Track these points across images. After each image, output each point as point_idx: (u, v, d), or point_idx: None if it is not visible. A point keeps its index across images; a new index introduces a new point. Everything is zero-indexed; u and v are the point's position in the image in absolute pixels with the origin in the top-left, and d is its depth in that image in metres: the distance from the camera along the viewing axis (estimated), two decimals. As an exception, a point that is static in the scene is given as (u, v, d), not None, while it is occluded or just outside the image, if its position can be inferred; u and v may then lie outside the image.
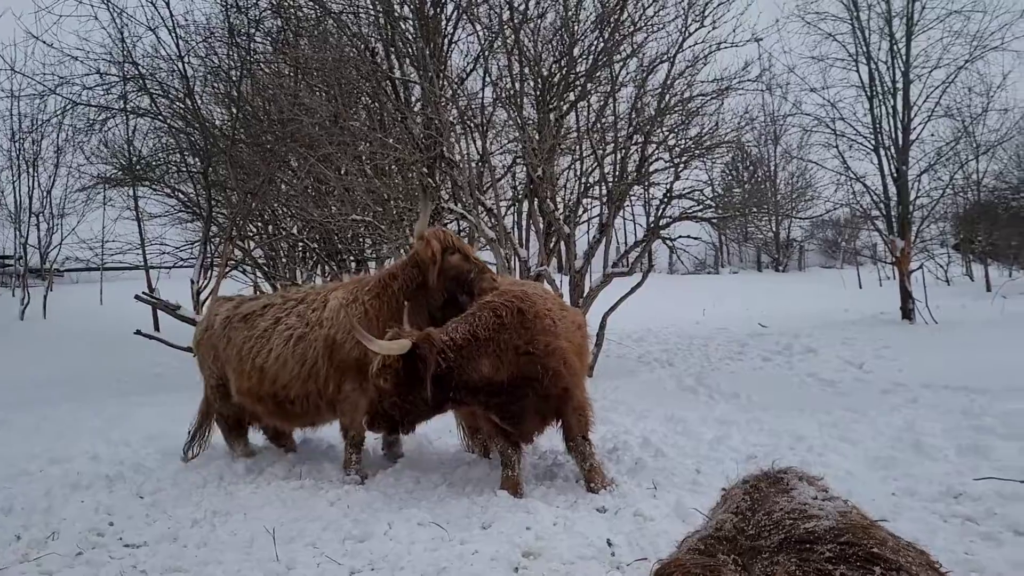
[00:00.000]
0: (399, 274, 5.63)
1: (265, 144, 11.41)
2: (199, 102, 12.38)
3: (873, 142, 13.25)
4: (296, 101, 10.43)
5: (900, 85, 12.98)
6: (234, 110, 12.12)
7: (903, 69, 12.96)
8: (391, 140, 10.04)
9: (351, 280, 6.24)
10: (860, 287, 23.26)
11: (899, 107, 12.99)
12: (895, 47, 13.01)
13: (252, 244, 14.35)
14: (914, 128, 13.14)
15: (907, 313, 12.75)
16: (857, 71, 13.48)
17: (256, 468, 5.76)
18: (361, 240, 13.30)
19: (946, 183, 16.87)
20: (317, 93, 10.86)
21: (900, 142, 12.96)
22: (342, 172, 10.72)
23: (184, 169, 14.01)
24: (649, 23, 10.38)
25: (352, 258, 13.67)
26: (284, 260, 14.69)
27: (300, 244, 14.14)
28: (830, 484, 2.33)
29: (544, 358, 4.80)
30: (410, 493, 5.05)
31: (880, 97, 13.17)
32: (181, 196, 15.13)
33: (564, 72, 10.36)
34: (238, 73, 11.86)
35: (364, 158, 10.72)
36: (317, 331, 5.58)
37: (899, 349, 9.87)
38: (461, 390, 4.70)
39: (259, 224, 14.31)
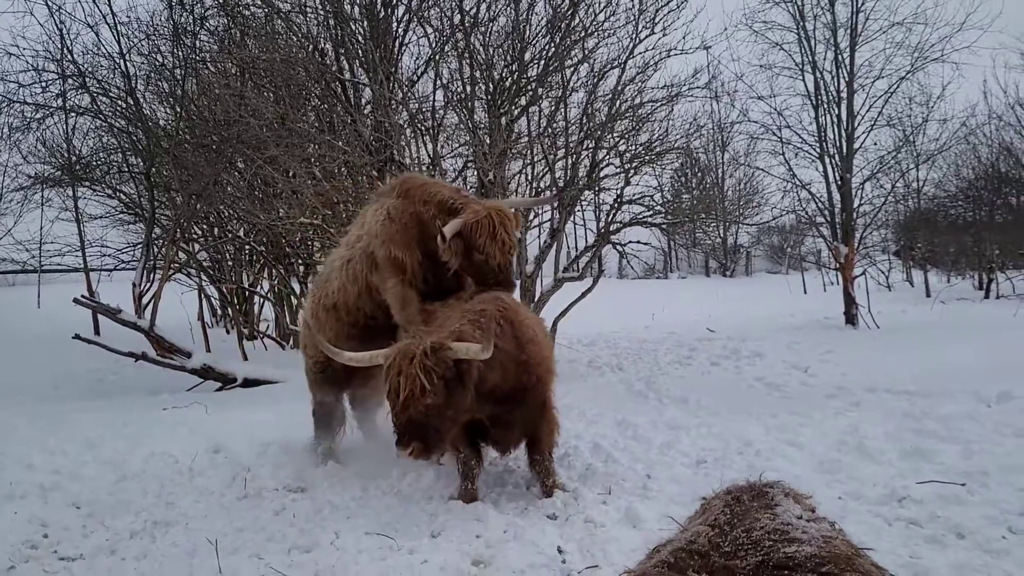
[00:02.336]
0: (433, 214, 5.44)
1: (210, 145, 11.17)
2: (142, 101, 12.09)
3: (818, 150, 13.49)
4: (242, 102, 10.23)
5: (844, 95, 13.25)
6: (178, 109, 11.85)
7: (847, 79, 13.22)
8: (340, 143, 9.91)
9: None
10: (805, 292, 23.69)
11: (843, 116, 13.24)
12: (840, 57, 13.27)
13: (197, 247, 14.06)
14: (858, 137, 13.41)
15: (850, 318, 12.99)
16: (803, 80, 13.72)
17: (199, 476, 5.61)
18: (310, 243, 13.10)
19: (888, 191, 17.29)
20: (264, 94, 10.67)
21: (844, 150, 13.21)
22: (290, 175, 10.55)
23: (126, 169, 13.66)
24: (600, 28, 10.44)
25: (301, 262, 13.46)
26: (230, 263, 14.43)
27: (247, 247, 13.89)
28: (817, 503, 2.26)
29: (535, 367, 4.71)
30: (357, 501, 4.95)
31: (825, 106, 13.41)
32: (123, 197, 14.74)
33: (515, 76, 10.35)
34: (182, 72, 11.60)
35: (313, 160, 10.57)
36: (356, 247, 5.74)
37: (843, 353, 10.04)
38: (477, 399, 4.43)
39: (204, 226, 14.02)
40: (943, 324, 12.48)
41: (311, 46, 11.12)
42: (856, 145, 13.37)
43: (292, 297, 13.59)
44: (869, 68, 13.44)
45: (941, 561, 3.65)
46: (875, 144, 14.77)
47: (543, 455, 4.92)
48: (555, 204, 10.81)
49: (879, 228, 21.86)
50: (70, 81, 12.11)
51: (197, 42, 12.07)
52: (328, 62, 11.11)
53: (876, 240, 23.14)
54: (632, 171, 10.55)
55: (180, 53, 11.92)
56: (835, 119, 13.33)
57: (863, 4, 13.03)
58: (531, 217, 11.52)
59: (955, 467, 5.08)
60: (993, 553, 3.72)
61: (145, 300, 10.88)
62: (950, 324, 12.40)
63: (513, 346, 4.57)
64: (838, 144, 13.28)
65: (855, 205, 13.61)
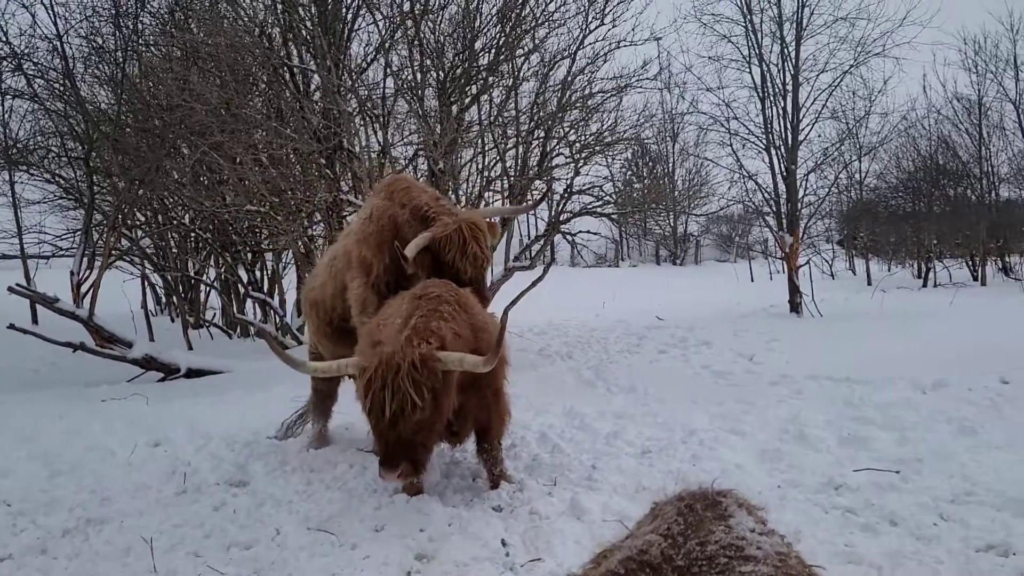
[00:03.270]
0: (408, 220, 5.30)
1: (153, 130, 10.90)
2: (80, 84, 11.73)
3: (765, 141, 13.70)
4: (185, 86, 9.99)
5: (790, 87, 13.47)
6: (119, 93, 11.52)
7: (793, 72, 13.44)
8: (288, 129, 9.75)
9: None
10: (752, 281, 24.10)
11: (789, 108, 13.47)
12: (786, 51, 13.48)
13: (140, 233, 13.74)
14: (803, 129, 13.67)
15: (795, 306, 13.23)
16: (750, 72, 13.92)
17: (137, 471, 5.48)
18: (258, 231, 12.89)
19: (831, 182, 17.70)
20: (209, 79, 10.43)
21: (789, 142, 13.44)
22: (236, 161, 10.34)
23: (64, 154, 13.26)
24: (551, 19, 10.44)
25: (248, 249, 13.24)
26: (175, 251, 14.13)
27: (192, 234, 13.62)
28: (769, 514, 2.23)
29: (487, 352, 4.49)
30: (300, 495, 4.87)
31: (772, 98, 13.62)
32: (62, 182, 14.31)
33: (466, 65, 10.29)
34: (123, 55, 11.27)
35: (260, 147, 10.39)
36: (341, 243, 5.70)
37: (787, 341, 10.22)
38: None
39: (148, 213, 13.69)
40: (883, 312, 12.78)
41: (258, 31, 10.90)
42: (801, 137, 13.63)
43: (239, 285, 13.37)
44: (814, 62, 13.72)
45: (875, 548, 3.73)
46: (819, 136, 15.15)
47: (492, 444, 4.83)
48: (506, 194, 10.80)
49: (823, 218, 22.43)
50: (5, 63, 11.70)
51: (139, 24, 11.74)
52: (275, 48, 10.91)
53: (820, 230, 23.75)
54: (582, 161, 10.58)
55: (121, 35, 11.58)
56: (781, 111, 13.56)
57: (808, -2, 13.26)
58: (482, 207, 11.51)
59: (890, 454, 5.20)
60: (925, 540, 3.81)
61: (84, 288, 10.58)
62: (890, 312, 12.70)
63: (469, 334, 4.34)
64: (784, 136, 13.50)
65: (800, 195, 13.88)
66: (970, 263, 22.44)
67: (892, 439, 5.55)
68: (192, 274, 14.10)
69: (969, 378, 7.21)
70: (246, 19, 10.62)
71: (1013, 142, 23.41)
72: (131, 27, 11.46)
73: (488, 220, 5.37)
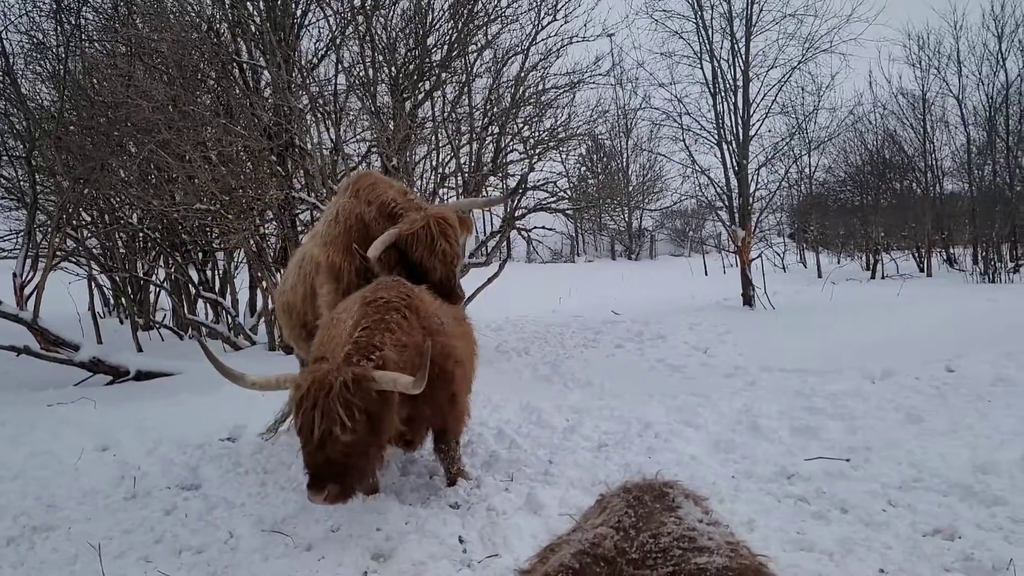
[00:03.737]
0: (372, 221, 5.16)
1: (97, 128, 10.62)
2: (21, 81, 11.38)
3: (716, 136, 13.85)
4: (130, 83, 9.77)
5: (740, 83, 13.62)
6: (62, 90, 11.22)
7: (743, 68, 13.59)
8: (239, 127, 9.58)
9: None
10: (706, 274, 24.38)
11: (740, 104, 13.63)
12: (736, 46, 13.63)
13: (86, 234, 13.39)
14: (753, 124, 13.83)
15: (748, 299, 13.41)
16: (702, 68, 14.05)
17: (85, 476, 5.34)
18: (208, 230, 12.65)
19: (782, 176, 18.00)
20: (155, 75, 10.20)
21: (741, 137, 13.60)
22: (185, 159, 10.14)
23: (5, 153, 12.87)
24: (503, 14, 10.41)
25: (199, 249, 12.99)
26: (123, 251, 13.81)
27: (141, 234, 13.32)
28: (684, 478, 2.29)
29: (441, 360, 4.23)
30: (254, 497, 4.79)
31: (723, 94, 13.77)
32: (3, 181, 13.89)
33: (419, 61, 10.22)
34: (65, 50, 10.97)
35: (209, 145, 10.19)
36: (309, 245, 5.56)
37: (740, 334, 10.36)
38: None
39: (94, 213, 13.36)
40: (833, 304, 13.03)
41: (205, 26, 10.69)
42: (752, 132, 13.79)
43: (190, 285, 13.12)
44: (764, 58, 13.90)
45: (826, 536, 3.80)
46: (770, 131, 15.39)
47: (449, 444, 4.78)
48: (460, 191, 10.75)
49: (774, 212, 22.89)
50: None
51: (81, 20, 11.43)
52: (224, 43, 10.71)
53: (772, 223, 24.20)
54: (536, 157, 10.59)
55: (63, 31, 11.26)
56: (732, 107, 13.71)
57: (758, -5, 13.43)
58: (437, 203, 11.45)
59: (841, 443, 5.32)
60: (874, 526, 3.89)
61: (28, 291, 10.28)
62: (840, 304, 12.96)
63: (420, 340, 4.15)
64: (735, 131, 13.66)
65: (751, 190, 14.07)
66: (916, 255, 23.00)
67: (842, 428, 5.67)
68: (141, 275, 13.80)
69: (916, 367, 7.41)
70: (193, 14, 10.41)
71: (956, 136, 24.10)
72: (73, 22, 11.15)
73: (459, 214, 5.23)
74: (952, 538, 3.72)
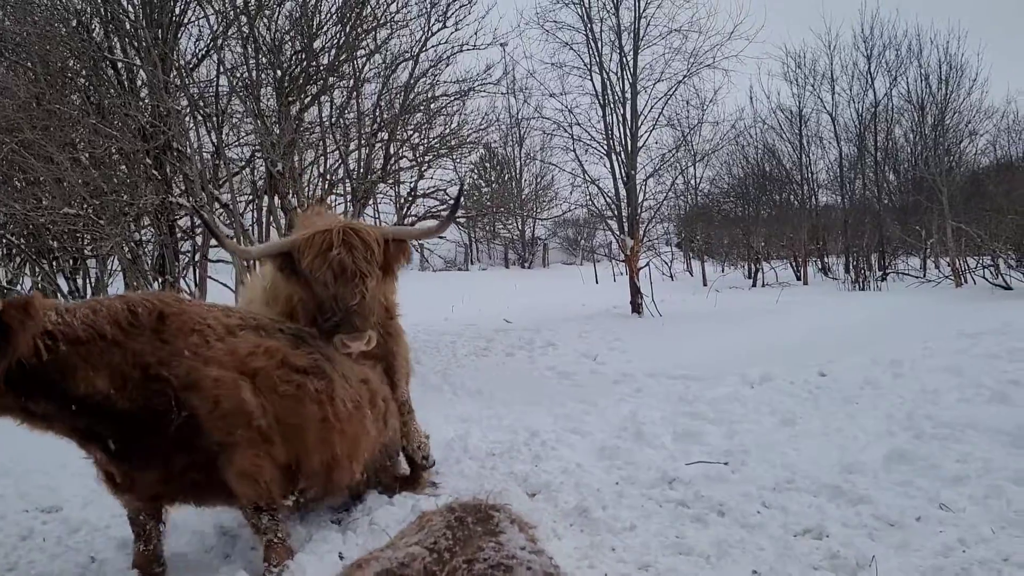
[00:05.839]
0: None
1: (-48, 126, 9.89)
2: None
3: (606, 147, 14.11)
4: (-12, 78, 9.15)
5: (629, 95, 13.93)
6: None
7: (631, 80, 13.91)
8: (114, 127, 9.11)
9: None
10: (597, 283, 24.76)
11: (628, 116, 13.93)
12: (624, 59, 13.94)
13: (-59, 239, 12.46)
14: (641, 136, 14.16)
15: (636, 307, 13.70)
16: (592, 80, 14.29)
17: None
18: (79, 237, 11.96)
19: (669, 187, 18.52)
20: (17, 71, 9.57)
21: (629, 148, 13.90)
22: (52, 161, 9.55)
23: None
24: (392, 19, 10.30)
25: (69, 257, 12.26)
26: (-16, 258, 12.91)
27: (3, 240, 12.47)
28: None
29: (182, 391, 3.40)
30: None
31: (612, 105, 14.04)
32: None
33: (305, 65, 9.97)
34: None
35: (80, 146, 9.64)
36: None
37: (629, 341, 10.56)
38: (52, 400, 3.21)
39: (-49, 217, 12.44)
40: (717, 312, 13.47)
41: (75, 21, 10.12)
42: (640, 143, 14.11)
43: (59, 295, 12.36)
44: (650, 71, 14.24)
45: (704, 538, 3.87)
46: (657, 143, 15.77)
47: (245, 511, 3.76)
48: (348, 197, 10.55)
49: (662, 222, 23.50)
50: None
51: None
52: (96, 40, 10.16)
53: (659, 233, 24.82)
54: (426, 164, 10.51)
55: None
56: (621, 118, 13.99)
57: (645, 10, 13.83)
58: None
59: (720, 447, 5.46)
60: (749, 528, 4.00)
61: None
62: (723, 312, 13.41)
63: (151, 352, 3.38)
64: (624, 142, 13.94)
65: (640, 200, 14.38)
66: (794, 264, 24.09)
67: (722, 432, 5.83)
68: (4, 283, 12.91)
69: (791, 371, 7.71)
70: (60, 7, 9.84)
71: (829, 151, 25.50)
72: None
73: (392, 238, 4.29)
74: (820, 537, 3.86)
